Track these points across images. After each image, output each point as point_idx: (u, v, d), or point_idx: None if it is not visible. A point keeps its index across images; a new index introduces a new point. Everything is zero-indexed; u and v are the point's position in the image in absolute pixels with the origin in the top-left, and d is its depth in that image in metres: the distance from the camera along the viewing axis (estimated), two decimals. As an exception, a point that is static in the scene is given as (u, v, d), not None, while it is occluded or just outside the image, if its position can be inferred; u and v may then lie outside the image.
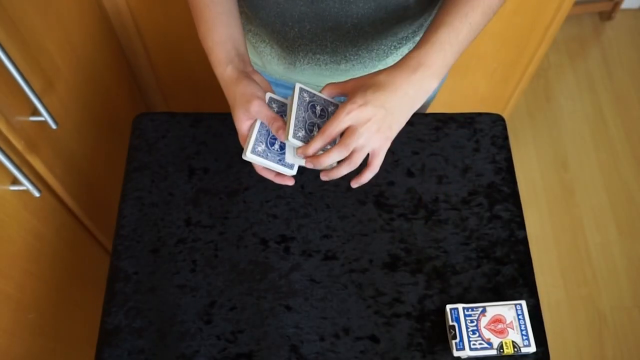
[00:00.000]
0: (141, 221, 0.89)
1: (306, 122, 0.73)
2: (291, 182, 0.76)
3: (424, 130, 0.98)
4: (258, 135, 0.73)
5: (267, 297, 0.84)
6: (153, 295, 0.84)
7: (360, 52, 0.86)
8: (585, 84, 2.18)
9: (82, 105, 1.11)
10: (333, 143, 0.71)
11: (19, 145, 0.86)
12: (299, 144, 0.71)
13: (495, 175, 0.94)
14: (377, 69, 0.91)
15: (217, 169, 0.93)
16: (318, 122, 0.74)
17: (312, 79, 0.93)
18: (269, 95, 0.75)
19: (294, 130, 0.71)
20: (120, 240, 0.88)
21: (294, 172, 0.75)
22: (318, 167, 0.71)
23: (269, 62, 0.93)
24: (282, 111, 0.76)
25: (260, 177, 0.93)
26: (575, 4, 2.12)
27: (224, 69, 0.74)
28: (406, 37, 0.87)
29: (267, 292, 0.84)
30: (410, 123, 0.98)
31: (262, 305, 0.84)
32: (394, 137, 0.71)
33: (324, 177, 0.73)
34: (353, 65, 0.88)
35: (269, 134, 0.74)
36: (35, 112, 0.89)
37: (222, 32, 0.76)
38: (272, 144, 0.74)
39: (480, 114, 1.00)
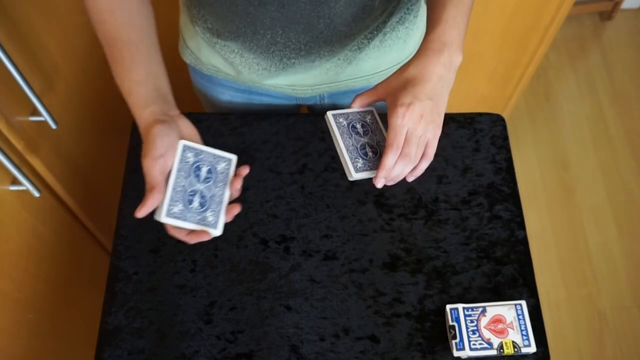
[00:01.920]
0: (141, 221, 0.89)
1: (357, 148, 0.72)
2: (206, 238, 0.68)
3: (424, 130, 0.97)
4: (173, 194, 0.65)
5: (267, 297, 0.84)
6: (153, 295, 0.84)
7: (334, 49, 0.85)
8: (585, 84, 2.18)
9: (82, 105, 1.11)
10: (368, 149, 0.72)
11: (18, 145, 0.86)
12: (367, 174, 0.70)
13: (495, 175, 0.94)
14: (351, 63, 0.90)
15: (217, 169, 0.93)
16: (366, 140, 0.73)
17: (285, 80, 0.92)
18: (183, 143, 0.68)
19: (353, 164, 0.70)
20: (120, 240, 0.88)
21: (219, 232, 0.68)
22: (390, 184, 0.71)
23: (240, 71, 0.91)
24: (198, 160, 0.68)
25: (260, 177, 0.93)
26: (575, 4, 2.12)
27: (142, 113, 0.69)
28: (376, 27, 0.87)
29: (267, 292, 0.84)
30: (410, 123, 0.98)
31: (262, 305, 0.84)
32: (442, 122, 0.71)
33: (390, 182, 0.72)
34: (327, 60, 0.88)
35: (185, 191, 0.66)
36: (35, 112, 0.89)
37: (142, 73, 0.71)
38: (191, 202, 0.66)
39: (480, 114, 1.00)
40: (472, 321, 0.79)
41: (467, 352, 0.77)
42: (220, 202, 0.69)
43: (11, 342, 0.92)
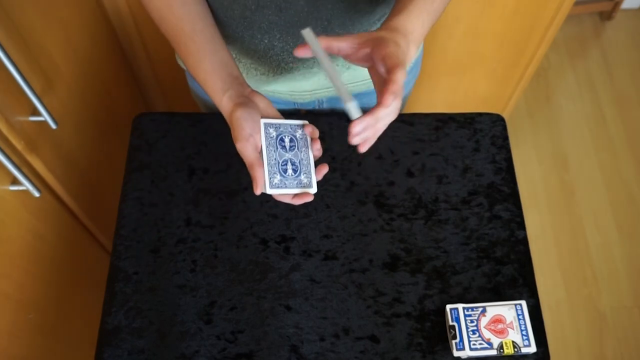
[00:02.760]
0: (141, 221, 0.89)
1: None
2: (310, 199, 0.75)
3: (424, 130, 0.98)
4: (269, 168, 0.72)
5: (267, 297, 0.84)
6: (153, 295, 0.84)
7: (332, 54, 0.85)
8: (585, 84, 2.18)
9: (82, 105, 1.11)
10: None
11: (18, 145, 0.86)
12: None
13: (495, 175, 0.94)
14: (349, 70, 0.90)
15: (217, 169, 0.93)
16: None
17: (284, 86, 0.92)
18: (263, 121, 0.73)
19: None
20: (120, 240, 0.88)
21: (315, 189, 0.75)
22: (358, 141, 0.65)
23: None
24: (279, 133, 0.75)
25: (260, 177, 0.93)
26: (575, 4, 2.12)
27: (221, 100, 0.73)
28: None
29: (267, 292, 0.84)
30: (410, 123, 0.98)
31: (262, 305, 0.84)
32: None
33: (359, 139, 0.64)
34: None
35: (278, 162, 0.73)
36: (35, 112, 0.89)
37: (212, 61, 0.74)
38: (285, 171, 0.74)
39: (480, 114, 1.00)
40: (472, 321, 0.79)
41: (467, 352, 0.77)
42: (309, 164, 0.76)
43: (11, 342, 0.92)
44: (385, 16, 0.84)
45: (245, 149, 0.71)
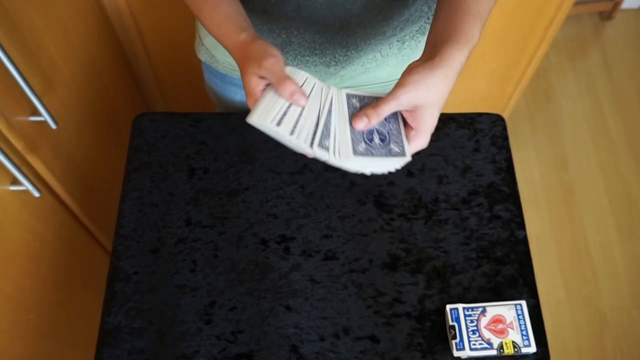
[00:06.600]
0: (141, 221, 0.89)
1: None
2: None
3: (424, 130, 0.97)
4: (352, 136, 0.64)
5: (267, 297, 0.84)
6: (153, 295, 0.84)
7: (349, 54, 0.85)
8: (585, 84, 2.18)
9: (82, 105, 1.11)
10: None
11: (18, 145, 0.86)
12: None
13: (495, 175, 0.94)
14: (367, 71, 0.90)
15: (217, 169, 0.93)
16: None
17: None
18: (345, 92, 0.66)
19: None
20: (120, 240, 0.88)
21: (409, 157, 0.68)
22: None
23: None
24: (363, 104, 0.66)
25: (260, 177, 0.93)
26: (575, 4, 2.12)
27: (239, 35, 0.68)
28: (393, 35, 0.87)
29: (267, 292, 0.84)
30: (410, 123, 0.98)
31: (262, 305, 0.84)
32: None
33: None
34: (343, 67, 0.88)
35: (362, 134, 0.65)
36: (35, 112, 0.89)
37: (228, 9, 0.72)
38: (371, 140, 0.66)
39: (480, 114, 1.00)
40: (472, 321, 0.79)
41: (467, 352, 0.77)
42: (399, 134, 0.68)
43: (11, 343, 0.92)
44: (404, 17, 0.84)
45: (273, 64, 0.64)
